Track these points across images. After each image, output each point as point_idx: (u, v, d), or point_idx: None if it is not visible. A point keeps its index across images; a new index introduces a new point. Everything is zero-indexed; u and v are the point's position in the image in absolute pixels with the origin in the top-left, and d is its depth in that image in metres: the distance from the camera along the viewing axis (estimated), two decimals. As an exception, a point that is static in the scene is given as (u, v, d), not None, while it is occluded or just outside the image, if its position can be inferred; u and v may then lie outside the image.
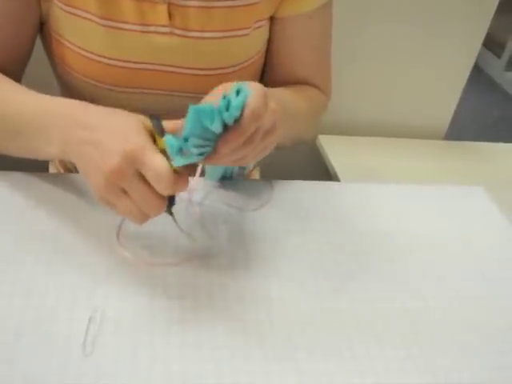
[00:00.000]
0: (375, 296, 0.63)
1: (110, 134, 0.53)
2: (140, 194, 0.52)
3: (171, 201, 0.57)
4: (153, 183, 0.51)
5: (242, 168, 0.76)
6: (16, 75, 0.74)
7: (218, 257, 0.64)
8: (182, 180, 0.52)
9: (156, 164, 0.50)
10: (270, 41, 0.82)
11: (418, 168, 1.39)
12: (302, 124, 0.83)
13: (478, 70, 1.47)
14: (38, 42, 0.79)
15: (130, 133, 0.52)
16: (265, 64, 0.84)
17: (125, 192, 0.52)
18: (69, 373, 0.50)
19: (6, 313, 0.54)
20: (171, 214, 0.58)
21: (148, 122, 0.55)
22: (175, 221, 0.59)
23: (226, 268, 0.63)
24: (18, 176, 0.71)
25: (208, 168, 0.72)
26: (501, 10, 1.41)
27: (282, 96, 0.72)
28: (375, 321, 0.60)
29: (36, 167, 0.74)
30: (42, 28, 0.77)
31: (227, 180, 0.76)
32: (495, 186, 0.86)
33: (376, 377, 0.54)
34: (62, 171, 0.96)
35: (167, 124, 0.54)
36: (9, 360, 0.50)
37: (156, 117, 0.54)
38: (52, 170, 1.00)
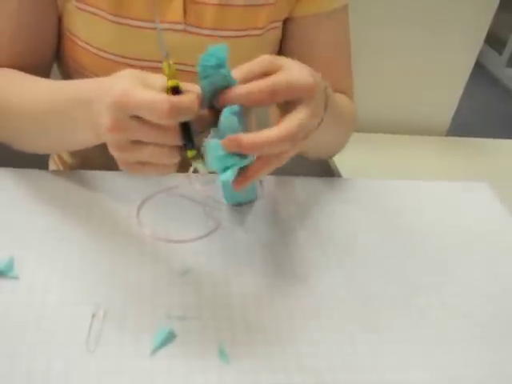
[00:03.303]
0: (378, 292, 0.63)
1: (96, 94, 0.52)
2: (148, 135, 0.48)
3: (189, 139, 0.50)
4: (150, 117, 0.47)
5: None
6: (43, 73, 0.74)
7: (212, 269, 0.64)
8: (187, 100, 0.48)
9: (143, 97, 0.47)
10: (284, 43, 0.81)
11: (420, 164, 1.39)
12: (343, 126, 0.78)
13: (479, 67, 1.47)
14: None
15: (111, 85, 0.50)
16: None
17: (138, 143, 0.50)
18: (72, 370, 0.49)
19: (9, 309, 0.54)
20: (194, 158, 0.51)
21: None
22: (203, 164, 0.51)
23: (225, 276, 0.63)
24: (16, 172, 0.70)
25: (226, 191, 0.69)
26: (502, 7, 1.41)
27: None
28: (377, 317, 0.60)
29: (36, 164, 0.74)
30: None
31: (243, 205, 0.73)
32: (498, 182, 0.86)
33: (379, 374, 0.54)
34: (61, 168, 0.96)
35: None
36: (11, 357, 0.50)
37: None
38: (52, 166, 1.00)
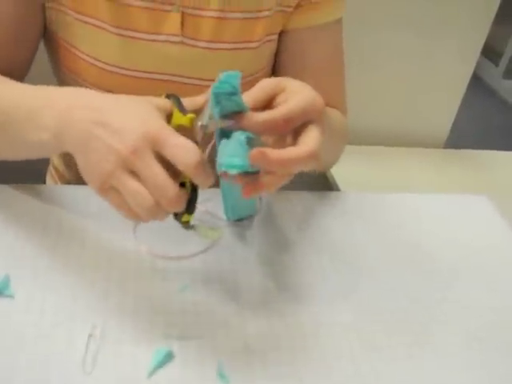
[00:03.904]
0: (378, 307, 0.62)
1: (123, 115, 0.49)
2: (157, 177, 0.46)
3: (191, 205, 0.50)
4: (180, 159, 0.46)
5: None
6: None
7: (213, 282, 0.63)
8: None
9: (182, 141, 0.46)
10: (278, 56, 0.81)
11: (419, 177, 1.39)
12: (336, 140, 0.77)
13: (476, 78, 1.48)
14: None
15: (145, 115, 0.49)
16: None
17: (135, 176, 0.47)
18: (68, 392, 0.48)
19: (3, 329, 0.53)
20: (187, 224, 0.51)
21: (162, 102, 0.52)
22: (194, 229, 0.53)
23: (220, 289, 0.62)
24: (13, 187, 0.70)
25: (227, 203, 0.68)
26: (498, 19, 1.42)
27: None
28: (378, 333, 0.59)
29: (32, 179, 0.73)
30: (49, 37, 0.76)
31: (243, 221, 0.72)
32: (496, 195, 0.85)
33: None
34: (58, 182, 0.96)
35: (186, 101, 0.52)
36: (6, 379, 0.49)
37: (174, 95, 0.52)
38: (49, 180, 0.99)
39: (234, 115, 0.50)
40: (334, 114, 0.78)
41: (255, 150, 0.47)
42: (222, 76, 0.48)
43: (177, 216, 0.52)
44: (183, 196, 0.48)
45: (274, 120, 0.49)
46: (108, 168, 0.47)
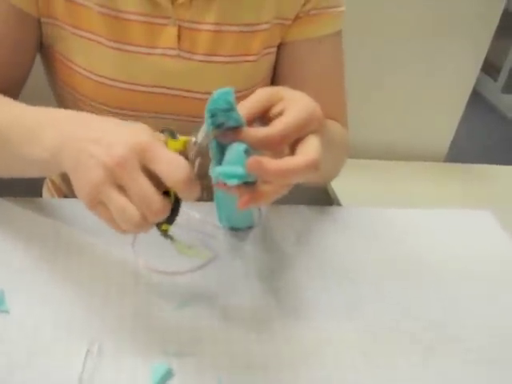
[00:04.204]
0: (382, 326, 0.61)
1: (118, 132, 0.50)
2: (142, 190, 0.46)
3: (172, 215, 0.50)
4: (167, 174, 0.46)
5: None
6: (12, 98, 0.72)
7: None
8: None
9: (171, 155, 0.46)
10: (277, 68, 0.80)
11: (419, 190, 1.39)
12: (336, 153, 0.76)
13: (474, 93, 1.49)
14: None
15: (138, 130, 0.49)
16: None
17: (122, 190, 0.47)
18: (64, 410, 0.47)
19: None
20: (165, 232, 0.52)
21: (156, 134, 0.51)
22: (171, 239, 0.53)
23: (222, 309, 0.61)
24: (10, 201, 0.69)
25: (221, 213, 0.68)
26: (496, 33, 1.43)
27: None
28: (382, 350, 0.58)
29: (29, 192, 0.72)
30: (45, 51, 0.75)
31: (239, 231, 0.71)
32: (496, 209, 0.85)
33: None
34: (55, 195, 0.95)
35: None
36: (0, 397, 0.48)
37: (169, 129, 0.51)
38: (46, 193, 0.98)
39: (230, 131, 0.49)
40: (334, 126, 0.77)
41: (252, 159, 0.46)
42: (215, 94, 0.48)
43: (157, 223, 0.51)
44: (167, 206, 0.48)
45: (272, 137, 0.48)
46: (95, 181, 0.47)
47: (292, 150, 0.50)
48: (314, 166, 0.47)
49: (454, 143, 1.58)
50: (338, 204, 1.30)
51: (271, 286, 0.63)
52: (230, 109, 0.48)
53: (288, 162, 0.47)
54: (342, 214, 0.79)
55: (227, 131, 0.49)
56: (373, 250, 0.72)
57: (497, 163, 1.61)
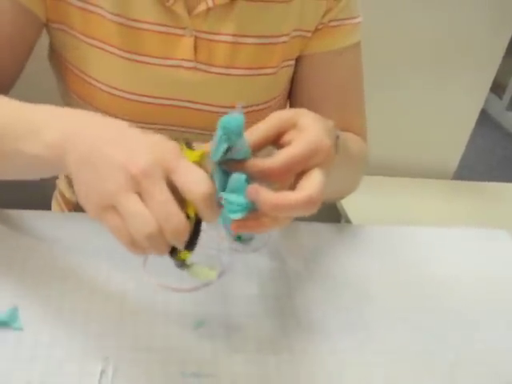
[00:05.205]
0: (400, 347, 0.60)
1: (138, 137, 0.47)
2: (165, 202, 0.43)
3: (191, 243, 0.46)
4: (190, 188, 0.43)
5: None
6: None
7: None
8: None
9: (193, 168, 0.44)
10: (295, 81, 0.79)
11: (428, 207, 1.39)
12: (353, 168, 0.74)
13: (480, 111, 1.51)
14: (40, 71, 0.76)
15: (161, 141, 0.46)
16: (290, 107, 0.81)
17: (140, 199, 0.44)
18: (78, 432, 0.46)
19: (12, 365, 0.50)
20: (183, 261, 0.48)
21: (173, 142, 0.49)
22: (188, 268, 0.49)
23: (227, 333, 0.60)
24: (18, 214, 0.67)
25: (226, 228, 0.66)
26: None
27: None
28: (401, 374, 0.57)
29: (38, 205, 0.71)
30: (56, 58, 0.74)
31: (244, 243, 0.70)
32: (504, 226, 0.84)
33: None
34: (64, 208, 0.93)
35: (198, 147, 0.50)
36: (14, 418, 0.46)
37: (186, 139, 0.50)
38: (55, 206, 0.97)
39: (235, 162, 0.48)
40: (352, 142, 0.75)
41: (251, 187, 0.46)
42: (229, 115, 0.46)
43: (172, 253, 0.47)
44: (187, 226, 0.44)
45: (274, 169, 0.47)
46: (113, 186, 0.44)
47: (296, 182, 0.49)
48: (312, 203, 0.46)
49: (462, 160, 1.59)
50: (347, 220, 1.29)
51: (287, 304, 0.62)
52: (239, 134, 0.47)
53: (286, 196, 0.46)
54: (353, 233, 0.78)
55: (232, 161, 0.48)
56: (386, 270, 0.70)
57: (502, 180, 1.61)
